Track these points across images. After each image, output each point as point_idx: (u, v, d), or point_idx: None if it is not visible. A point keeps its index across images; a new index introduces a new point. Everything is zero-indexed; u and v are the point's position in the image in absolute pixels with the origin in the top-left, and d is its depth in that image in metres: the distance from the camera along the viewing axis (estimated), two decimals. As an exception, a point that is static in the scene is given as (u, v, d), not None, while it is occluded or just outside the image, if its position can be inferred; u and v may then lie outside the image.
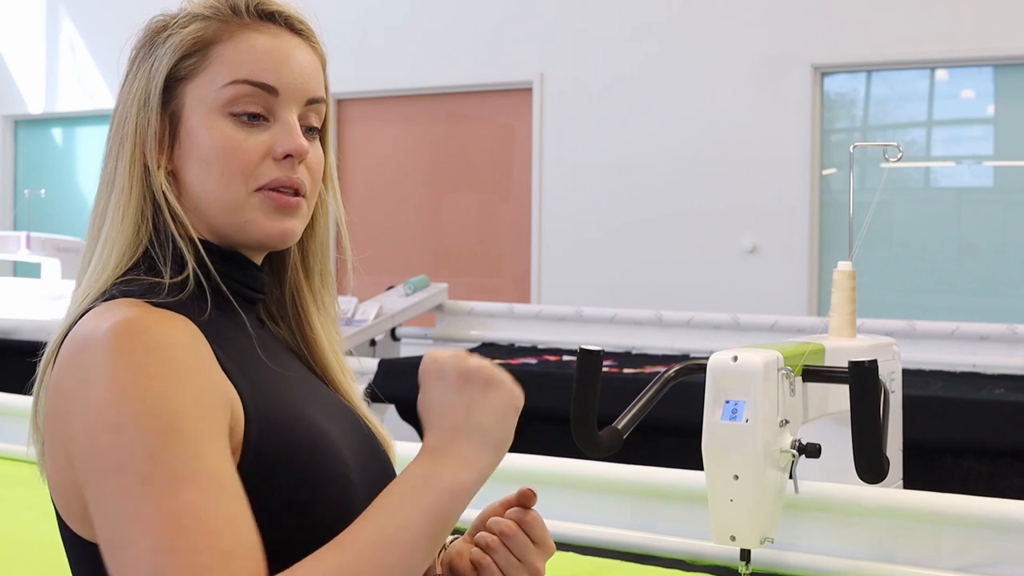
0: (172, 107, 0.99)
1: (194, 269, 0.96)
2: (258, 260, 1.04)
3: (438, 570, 1.09)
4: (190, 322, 0.92)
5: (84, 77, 7.68)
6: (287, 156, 0.98)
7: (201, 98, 0.98)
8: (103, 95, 7.46)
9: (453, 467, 0.91)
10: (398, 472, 1.07)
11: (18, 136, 8.16)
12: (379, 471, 1.03)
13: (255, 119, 0.98)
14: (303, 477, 0.92)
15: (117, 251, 0.97)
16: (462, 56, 6.36)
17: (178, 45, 0.98)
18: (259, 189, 0.98)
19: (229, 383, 0.91)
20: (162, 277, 0.95)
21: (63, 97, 7.83)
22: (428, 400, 0.95)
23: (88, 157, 7.79)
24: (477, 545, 1.02)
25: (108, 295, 0.94)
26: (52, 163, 8.02)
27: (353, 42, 6.44)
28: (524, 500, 1.03)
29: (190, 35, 0.98)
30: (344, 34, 6.40)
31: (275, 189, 0.98)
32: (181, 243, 0.97)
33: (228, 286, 0.99)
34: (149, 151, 0.98)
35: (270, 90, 0.98)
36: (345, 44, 6.35)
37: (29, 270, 6.78)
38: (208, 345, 0.91)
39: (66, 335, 0.92)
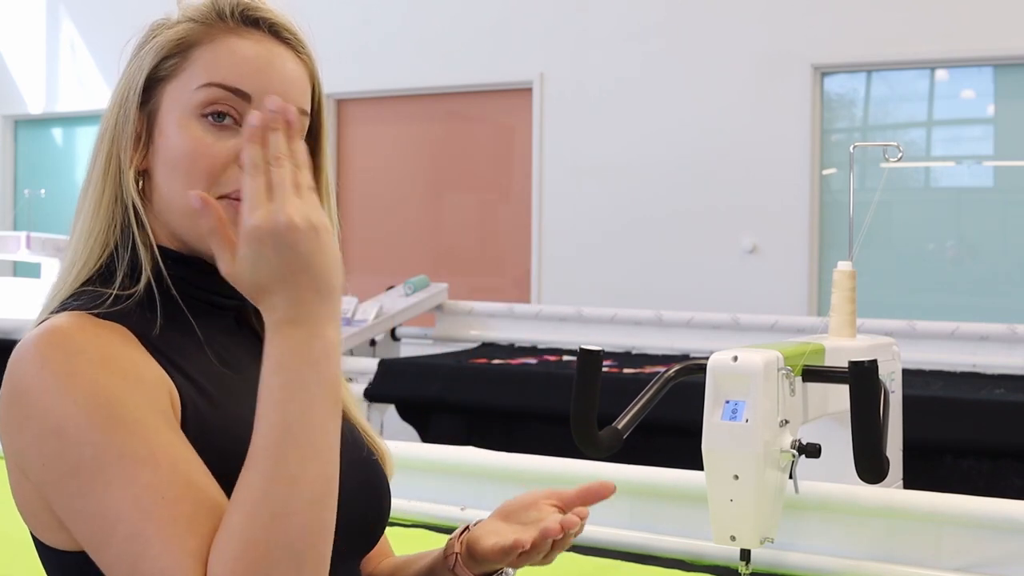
0: (150, 107, 0.99)
1: (148, 278, 0.95)
2: None
3: (456, 548, 1.09)
4: (122, 327, 0.91)
5: (84, 77, 7.67)
6: None
7: (177, 99, 0.97)
8: (103, 95, 7.44)
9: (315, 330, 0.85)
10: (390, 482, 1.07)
11: (18, 136, 8.16)
12: (361, 480, 1.02)
13: (222, 118, 0.96)
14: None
15: (82, 254, 0.97)
16: (462, 56, 6.35)
17: (162, 45, 0.99)
18: (222, 197, 0.95)
19: (167, 376, 0.91)
20: (116, 287, 0.94)
21: (63, 97, 7.83)
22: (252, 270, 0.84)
23: (88, 157, 7.78)
24: (563, 525, 1.03)
25: (58, 308, 0.94)
26: (52, 163, 8.02)
27: (352, 42, 6.43)
28: (602, 492, 1.09)
29: (174, 36, 0.99)
30: (343, 34, 6.40)
31: (239, 199, 0.94)
32: (141, 248, 0.96)
33: (193, 294, 0.98)
34: (123, 149, 0.98)
35: (243, 95, 0.97)
36: (344, 44, 6.34)
37: (29, 270, 6.77)
38: (141, 347, 0.91)
39: None
